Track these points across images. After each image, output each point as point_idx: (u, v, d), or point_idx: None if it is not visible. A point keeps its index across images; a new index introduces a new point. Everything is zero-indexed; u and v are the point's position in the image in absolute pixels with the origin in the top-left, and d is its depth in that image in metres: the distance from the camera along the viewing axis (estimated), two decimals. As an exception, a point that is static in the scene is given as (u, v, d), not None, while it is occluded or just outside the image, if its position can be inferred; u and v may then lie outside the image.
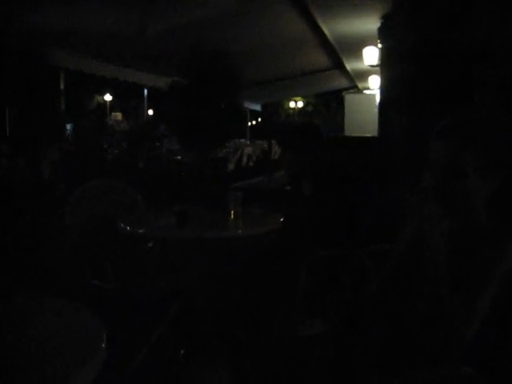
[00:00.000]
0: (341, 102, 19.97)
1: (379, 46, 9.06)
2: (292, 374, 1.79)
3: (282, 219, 3.01)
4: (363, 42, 9.93)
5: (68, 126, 9.67)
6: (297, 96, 26.63)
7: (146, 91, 14.98)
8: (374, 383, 1.64)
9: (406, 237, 1.85)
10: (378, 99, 11.31)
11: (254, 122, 28.55)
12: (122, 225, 2.84)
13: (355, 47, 10.52)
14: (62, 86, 9.70)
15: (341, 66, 14.15)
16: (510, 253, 1.56)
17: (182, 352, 2.93)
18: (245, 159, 13.15)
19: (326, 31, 9.91)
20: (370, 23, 8.75)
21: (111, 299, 3.00)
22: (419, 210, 1.63)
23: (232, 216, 2.98)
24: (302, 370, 1.78)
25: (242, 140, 17.22)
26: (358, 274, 2.74)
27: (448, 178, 1.60)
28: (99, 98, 25.98)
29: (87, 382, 1.21)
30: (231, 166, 11.26)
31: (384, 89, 8.25)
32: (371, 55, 10.09)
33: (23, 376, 1.20)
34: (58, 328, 1.43)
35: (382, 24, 8.49)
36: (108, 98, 25.91)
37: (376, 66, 9.86)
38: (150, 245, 3.49)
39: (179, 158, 9.02)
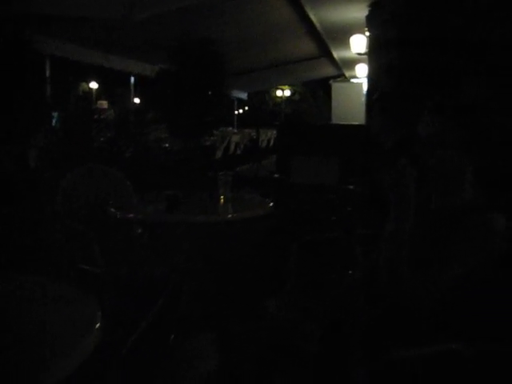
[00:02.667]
0: (328, 91, 19.98)
1: (367, 34, 9.07)
2: (280, 356, 1.81)
3: (271, 204, 3.02)
4: (351, 29, 9.93)
5: (54, 114, 9.58)
6: (284, 84, 26.59)
7: (132, 79, 14.87)
8: (360, 361, 1.67)
9: (390, 220, 1.88)
10: (365, 88, 11.34)
11: (240, 111, 28.48)
12: (112, 210, 2.84)
13: (343, 35, 10.52)
14: (47, 74, 9.61)
15: (328, 54, 14.14)
16: (496, 220, 1.61)
17: (172, 336, 2.94)
18: (232, 147, 13.15)
19: (314, 19, 9.89)
20: (358, 11, 8.75)
21: (101, 284, 3.00)
22: (399, 189, 1.67)
23: (222, 200, 2.99)
24: (290, 351, 1.81)
25: (230, 128, 17.19)
26: (347, 258, 2.77)
27: (436, 151, 1.66)
28: (85, 86, 25.77)
29: (80, 361, 1.22)
30: (219, 154, 11.25)
31: (371, 77, 8.28)
32: (359, 43, 10.10)
33: (19, 355, 1.20)
34: (53, 309, 1.44)
35: (370, 12, 8.50)
36: (94, 85, 25.72)
37: (363, 54, 9.88)
38: (140, 230, 3.49)
39: (167, 145, 8.99)
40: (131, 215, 2.95)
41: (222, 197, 2.98)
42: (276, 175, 7.26)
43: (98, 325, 1.34)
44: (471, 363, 1.52)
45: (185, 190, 3.20)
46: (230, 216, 3.00)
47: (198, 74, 8.73)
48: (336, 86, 18.04)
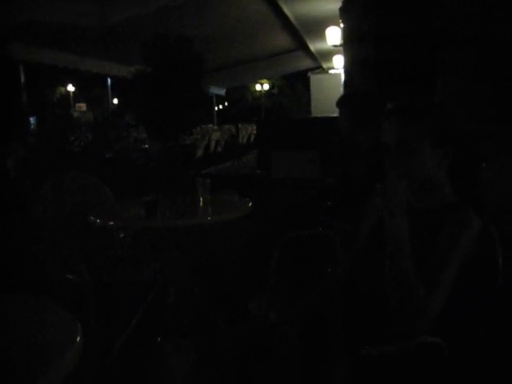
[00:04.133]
0: (306, 83, 20.00)
1: (341, 25, 9.10)
2: (261, 356, 1.83)
3: (250, 204, 3.04)
4: (325, 22, 9.95)
5: (31, 120, 9.51)
6: (262, 78, 26.58)
7: (109, 80, 14.81)
8: (341, 357, 1.69)
9: (369, 219, 1.90)
10: (343, 78, 11.38)
11: (220, 107, 28.44)
12: (92, 218, 2.84)
13: (318, 27, 10.55)
14: (22, 79, 9.53)
15: (305, 47, 14.18)
16: (473, 221, 1.64)
17: (158, 340, 2.96)
18: (213, 144, 13.13)
19: (288, 12, 9.92)
20: (332, 3, 8.77)
21: (85, 292, 3.00)
22: (381, 191, 1.69)
23: (201, 203, 3.00)
24: (271, 350, 1.83)
25: (210, 125, 17.17)
26: (328, 254, 2.80)
27: (400, 155, 1.68)
28: (62, 89, 25.55)
29: (63, 375, 1.23)
30: (200, 153, 11.23)
31: (347, 69, 8.31)
32: (334, 35, 10.13)
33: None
34: (30, 324, 1.44)
35: (344, 4, 8.52)
36: (71, 88, 25.51)
37: (339, 45, 9.90)
38: (122, 235, 3.50)
39: (146, 146, 8.98)
40: (111, 222, 2.95)
41: (201, 199, 2.99)
42: (257, 171, 7.28)
43: (78, 338, 1.34)
44: (450, 358, 1.56)
45: (164, 193, 3.21)
46: (209, 219, 3.02)
47: (175, 73, 8.71)
48: (314, 78, 18.05)
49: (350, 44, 7.78)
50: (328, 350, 1.75)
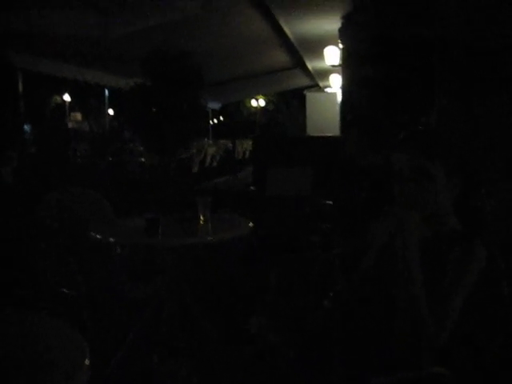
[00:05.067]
0: (302, 101, 20.05)
1: (340, 46, 9.17)
2: (259, 374, 1.83)
3: (251, 224, 3.04)
4: (324, 41, 10.02)
5: (26, 128, 9.46)
6: (258, 94, 26.62)
7: (106, 91, 14.81)
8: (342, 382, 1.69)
9: (377, 243, 1.91)
10: (339, 97, 11.43)
11: (215, 121, 28.45)
12: (93, 233, 2.83)
13: (316, 47, 10.62)
14: (20, 88, 9.50)
15: (302, 65, 14.25)
16: (479, 254, 1.65)
17: (155, 357, 2.94)
18: (208, 159, 13.12)
19: (288, 31, 9.98)
20: (331, 23, 8.84)
21: (81, 307, 2.99)
22: (390, 218, 1.70)
23: (201, 222, 3.00)
24: (269, 370, 1.83)
25: (205, 139, 17.15)
26: (326, 276, 2.80)
27: (414, 183, 1.69)
28: (58, 99, 25.46)
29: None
30: (195, 169, 11.22)
31: (346, 88, 8.36)
32: (332, 55, 10.19)
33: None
34: (41, 345, 1.44)
35: (343, 24, 8.60)
36: (67, 98, 25.41)
37: (337, 66, 9.96)
38: (119, 250, 3.48)
39: (143, 160, 8.96)
40: (111, 239, 2.94)
41: (201, 218, 2.99)
42: (252, 188, 7.29)
43: (87, 360, 1.34)
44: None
45: (164, 209, 3.21)
46: (210, 238, 3.02)
47: (174, 86, 8.73)
48: (310, 96, 18.09)
49: (348, 63, 7.85)
50: (328, 373, 1.75)
